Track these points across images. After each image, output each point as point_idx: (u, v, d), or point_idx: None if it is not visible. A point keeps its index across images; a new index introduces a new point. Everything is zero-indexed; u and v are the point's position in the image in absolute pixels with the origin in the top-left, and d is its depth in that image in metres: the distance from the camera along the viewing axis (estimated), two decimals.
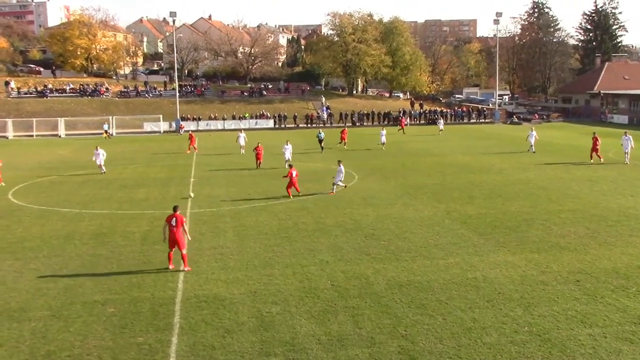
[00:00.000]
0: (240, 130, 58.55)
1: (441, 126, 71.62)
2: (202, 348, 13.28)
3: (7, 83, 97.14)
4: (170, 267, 18.55)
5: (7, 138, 75.08)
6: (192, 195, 31.15)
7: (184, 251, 18.48)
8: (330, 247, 21.15)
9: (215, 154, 51.52)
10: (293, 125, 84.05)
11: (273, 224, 24.64)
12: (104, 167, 40.02)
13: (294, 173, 30.10)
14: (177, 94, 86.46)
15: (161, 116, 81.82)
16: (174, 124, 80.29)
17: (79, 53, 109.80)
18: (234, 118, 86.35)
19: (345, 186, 31.96)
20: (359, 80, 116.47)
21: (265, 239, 22.39)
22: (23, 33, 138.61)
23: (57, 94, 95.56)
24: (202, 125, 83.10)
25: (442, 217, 25.43)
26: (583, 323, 14.34)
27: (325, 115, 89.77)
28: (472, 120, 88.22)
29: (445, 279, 17.59)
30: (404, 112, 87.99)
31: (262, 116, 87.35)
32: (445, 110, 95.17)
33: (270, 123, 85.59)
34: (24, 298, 16.54)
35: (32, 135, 76.29)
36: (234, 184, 34.46)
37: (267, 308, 15.52)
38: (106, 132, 72.74)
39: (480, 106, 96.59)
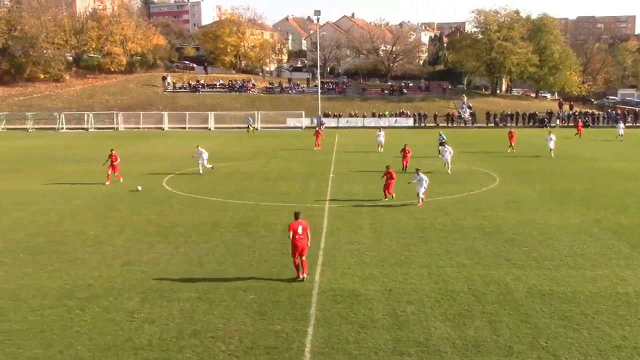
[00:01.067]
0: (379, 128, 58.61)
1: (621, 130, 61.80)
2: (337, 341, 13.51)
3: (164, 78, 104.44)
4: (302, 276, 17.38)
5: (163, 129, 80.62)
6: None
7: (304, 257, 17.47)
8: (467, 249, 20.68)
9: (355, 152, 52.06)
10: (433, 125, 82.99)
11: (410, 223, 24.51)
12: (201, 168, 38.04)
13: (393, 175, 28.99)
14: (319, 91, 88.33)
15: (303, 112, 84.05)
16: (315, 120, 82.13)
17: (228, 50, 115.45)
18: (373, 116, 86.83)
19: (422, 200, 28.09)
20: (503, 79, 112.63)
21: (401, 237, 22.33)
22: (179, 31, 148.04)
23: (208, 89, 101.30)
24: (342, 122, 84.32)
25: (591, 226, 23.99)
26: None
27: (466, 115, 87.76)
28: (627, 124, 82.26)
29: (592, 291, 16.59)
30: (571, 114, 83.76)
31: (401, 114, 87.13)
32: (597, 112, 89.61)
33: (409, 121, 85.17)
34: (174, 279, 17.70)
35: (184, 128, 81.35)
36: (373, 181, 34.61)
37: (401, 307, 15.48)
38: (250, 125, 75.86)
39: (637, 109, 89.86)
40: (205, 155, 38.33)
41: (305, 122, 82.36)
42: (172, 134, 73.83)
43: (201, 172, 37.85)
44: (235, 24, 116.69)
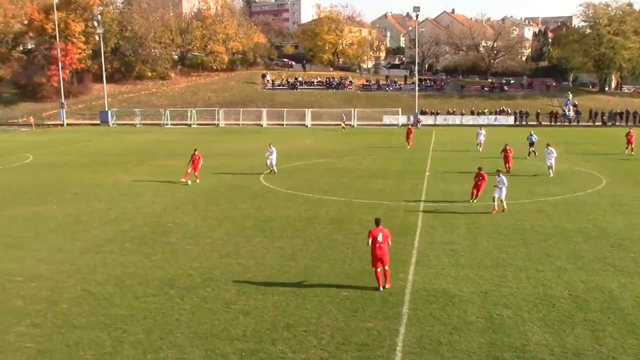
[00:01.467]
0: (480, 126, 57.08)
1: None
2: (429, 342, 13.35)
3: (263, 76, 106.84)
4: (383, 287, 16.42)
5: (261, 126, 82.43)
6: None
7: (387, 267, 16.49)
8: (569, 253, 19.83)
9: (452, 150, 51.15)
10: (535, 123, 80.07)
11: (508, 224, 23.80)
12: (275, 168, 37.31)
13: (484, 176, 27.68)
14: (417, 88, 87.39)
15: (400, 109, 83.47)
16: (412, 118, 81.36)
17: (326, 48, 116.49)
18: (472, 113, 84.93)
19: (504, 208, 25.91)
20: (613, 76, 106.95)
21: (499, 238, 21.73)
22: (279, 30, 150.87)
23: (306, 86, 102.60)
24: (440, 120, 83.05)
25: None
26: None
27: (571, 113, 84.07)
28: None
29: None
30: None
31: (501, 112, 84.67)
32: None
33: (510, 119, 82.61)
34: (269, 273, 18.09)
35: (282, 124, 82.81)
36: (469, 180, 33.75)
37: (497, 310, 15.08)
38: (343, 122, 76.13)
39: None
40: (274, 155, 37.15)
41: (401, 119, 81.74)
42: (270, 130, 75.38)
43: (276, 170, 37.18)
44: (333, 21, 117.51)
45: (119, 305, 15.61)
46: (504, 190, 25.68)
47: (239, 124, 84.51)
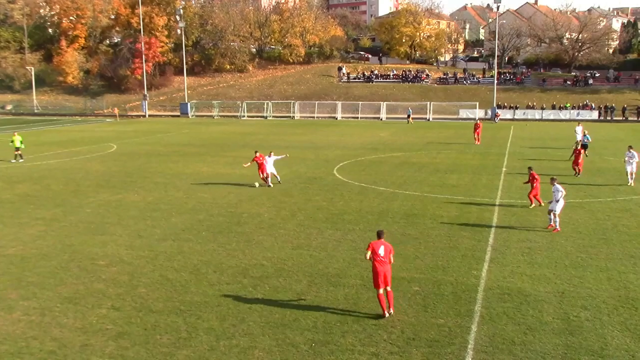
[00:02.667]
0: (578, 122, 53.08)
1: None
2: (502, 341, 13.05)
3: (339, 68, 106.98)
4: (388, 313, 14.30)
5: (336, 119, 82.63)
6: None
7: (390, 287, 14.35)
8: None
9: (530, 146, 49.67)
10: (621, 118, 76.68)
11: (589, 224, 22.92)
12: (270, 180, 31.26)
13: (536, 177, 25.35)
14: (495, 82, 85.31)
15: (477, 103, 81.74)
16: (489, 112, 79.54)
17: (403, 41, 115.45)
18: (553, 108, 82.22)
19: (556, 222, 22.03)
20: None
21: (578, 238, 20.96)
22: (356, 22, 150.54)
23: (381, 80, 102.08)
24: (519, 114, 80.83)
25: None
26: None
27: None
28: None
29: None
30: None
31: (585, 107, 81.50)
32: None
33: (593, 114, 79.41)
34: (340, 265, 18.15)
35: (357, 117, 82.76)
36: (548, 177, 32.72)
37: (575, 312, 14.56)
38: (409, 116, 75.31)
39: None
40: (272, 164, 31.31)
41: (479, 113, 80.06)
42: (345, 123, 75.46)
43: (271, 183, 31.27)
44: (411, 14, 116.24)
45: (194, 292, 16.06)
46: (562, 202, 21.87)
47: (313, 117, 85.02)
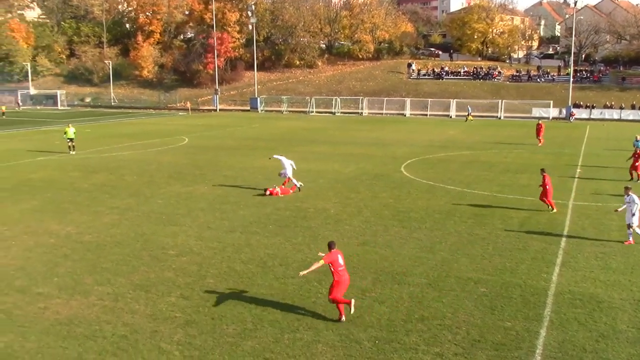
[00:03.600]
0: None
1: None
2: (572, 347, 12.67)
3: (409, 65, 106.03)
4: (343, 318, 13.96)
5: (405, 116, 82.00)
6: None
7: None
8: None
9: (607, 147, 47.86)
10: None
11: None
12: (297, 182, 29.22)
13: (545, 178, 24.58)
14: (571, 80, 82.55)
15: (551, 102, 79.38)
16: (564, 111, 77.09)
17: (475, 37, 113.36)
18: (633, 108, 78.82)
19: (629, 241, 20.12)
20: None
21: None
22: (427, 18, 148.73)
23: (451, 76, 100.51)
24: (595, 113, 77.97)
25: None
26: None
27: None
28: None
29: None
30: None
31: None
32: None
33: None
34: (405, 263, 18.02)
35: (426, 115, 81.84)
36: (624, 180, 31.49)
37: None
38: (469, 114, 73.79)
39: None
40: (290, 168, 29.34)
41: (552, 112, 77.71)
42: (414, 120, 74.78)
43: (299, 185, 29.33)
44: (484, 9, 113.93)
45: (260, 284, 16.30)
46: (638, 215, 19.88)
47: (382, 113, 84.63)
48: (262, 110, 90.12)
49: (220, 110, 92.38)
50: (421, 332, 13.34)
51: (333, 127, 65.40)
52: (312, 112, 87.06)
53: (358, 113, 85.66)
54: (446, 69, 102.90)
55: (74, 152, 42.25)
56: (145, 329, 13.57)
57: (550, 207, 24.65)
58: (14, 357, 12.34)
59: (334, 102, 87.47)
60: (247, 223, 22.73)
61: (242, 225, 22.43)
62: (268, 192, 27.79)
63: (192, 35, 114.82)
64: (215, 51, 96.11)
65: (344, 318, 13.91)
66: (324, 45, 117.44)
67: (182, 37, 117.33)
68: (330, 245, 14.14)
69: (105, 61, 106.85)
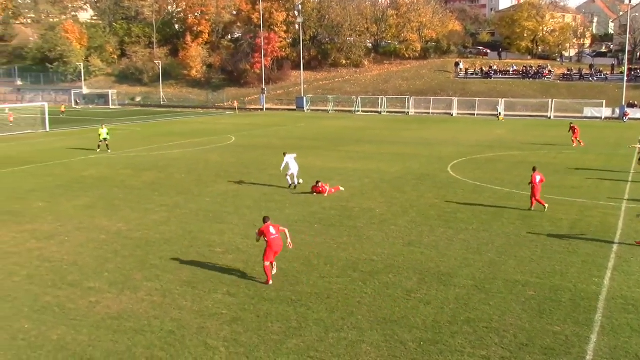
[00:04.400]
0: None
1: None
2: (624, 354, 12.32)
3: (457, 64, 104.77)
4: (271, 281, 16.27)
5: (452, 115, 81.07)
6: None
7: (275, 263, 16.79)
8: None
9: None
10: None
11: None
12: (296, 180, 29.75)
13: (537, 178, 24.47)
14: (625, 79, 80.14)
15: (604, 102, 77.31)
16: (617, 111, 74.97)
17: (525, 35, 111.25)
18: None
19: None
20: None
21: None
22: (475, 17, 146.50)
23: (500, 76, 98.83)
24: None
25: None
26: None
27: None
28: None
29: None
30: None
31: None
32: None
33: None
34: (452, 265, 17.82)
35: (473, 114, 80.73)
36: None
37: None
38: (499, 114, 72.47)
39: None
40: (294, 165, 29.79)
41: (605, 112, 75.64)
42: (461, 120, 73.88)
43: (295, 183, 29.82)
44: (534, 7, 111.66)
45: (305, 283, 16.36)
46: None
47: (428, 113, 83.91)
48: (308, 110, 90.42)
49: (266, 109, 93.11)
50: (467, 335, 13.17)
51: (379, 126, 65.16)
52: (358, 111, 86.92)
53: (404, 112, 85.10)
54: (494, 67, 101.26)
55: (103, 151, 43.12)
56: (192, 325, 13.78)
57: (533, 205, 24.53)
58: (66, 349, 12.69)
59: (380, 102, 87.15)
60: (293, 222, 22.83)
61: (288, 224, 22.43)
62: (320, 185, 27.81)
63: (240, 35, 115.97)
64: (263, 51, 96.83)
65: (270, 282, 16.23)
66: (371, 45, 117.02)
67: (229, 37, 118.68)
68: (264, 219, 16.73)
69: (155, 61, 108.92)
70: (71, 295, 15.56)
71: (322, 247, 19.67)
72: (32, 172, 34.84)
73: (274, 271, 16.69)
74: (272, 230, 16.38)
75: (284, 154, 30.51)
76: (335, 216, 23.81)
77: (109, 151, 43.10)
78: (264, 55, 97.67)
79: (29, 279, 16.85)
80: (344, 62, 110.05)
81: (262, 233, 16.35)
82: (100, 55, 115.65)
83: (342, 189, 28.78)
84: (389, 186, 29.96)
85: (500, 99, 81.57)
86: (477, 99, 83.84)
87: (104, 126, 44.80)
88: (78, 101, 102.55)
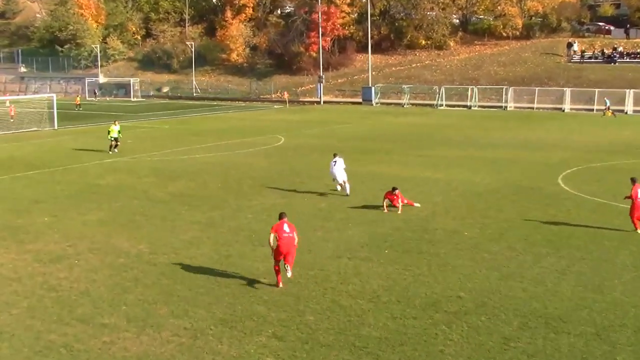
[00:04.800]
0: None
1: None
2: None
3: (569, 45, 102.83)
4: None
5: (563, 111, 79.65)
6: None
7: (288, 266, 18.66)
8: None
9: None
10: None
11: None
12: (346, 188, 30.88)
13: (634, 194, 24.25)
14: None
15: None
16: None
17: None
18: None
19: None
20: None
21: None
22: None
23: (628, 60, 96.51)
24: None
25: None
26: None
27: None
28: None
29: None
30: None
31: None
32: None
33: None
34: (564, 305, 17.35)
35: (591, 110, 79.03)
36: None
37: None
38: (607, 109, 70.55)
39: None
40: (342, 168, 31.09)
41: None
42: (574, 117, 72.48)
43: (345, 187, 31.04)
44: None
45: (373, 324, 16.21)
46: None
47: (532, 107, 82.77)
48: (377, 103, 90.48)
49: (324, 102, 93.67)
50: None
51: (468, 124, 64.57)
52: (442, 105, 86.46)
53: (501, 107, 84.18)
54: (620, 49, 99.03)
55: (112, 152, 44.47)
56: None
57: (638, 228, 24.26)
58: None
59: (469, 93, 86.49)
60: (357, 246, 22.73)
61: (351, 249, 22.46)
62: (397, 194, 27.69)
63: (292, 9, 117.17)
64: (320, 29, 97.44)
65: (281, 285, 18.44)
66: (457, 21, 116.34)
67: (279, 12, 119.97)
68: (280, 216, 18.87)
69: (187, 42, 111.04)
70: (80, 334, 15.84)
71: (394, 279, 19.49)
72: (36, 179, 35.95)
73: (289, 274, 18.38)
74: (285, 228, 18.21)
75: (334, 155, 31.23)
76: (411, 239, 23.60)
77: (116, 150, 44.29)
78: (322, 35, 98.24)
79: (30, 311, 17.26)
80: (424, 42, 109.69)
81: (275, 231, 18.28)
82: (121, 36, 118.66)
83: (417, 205, 28.53)
84: (481, 202, 29.58)
85: (627, 90, 79.61)
86: (597, 89, 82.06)
87: (116, 122, 45.93)
88: (96, 92, 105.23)
